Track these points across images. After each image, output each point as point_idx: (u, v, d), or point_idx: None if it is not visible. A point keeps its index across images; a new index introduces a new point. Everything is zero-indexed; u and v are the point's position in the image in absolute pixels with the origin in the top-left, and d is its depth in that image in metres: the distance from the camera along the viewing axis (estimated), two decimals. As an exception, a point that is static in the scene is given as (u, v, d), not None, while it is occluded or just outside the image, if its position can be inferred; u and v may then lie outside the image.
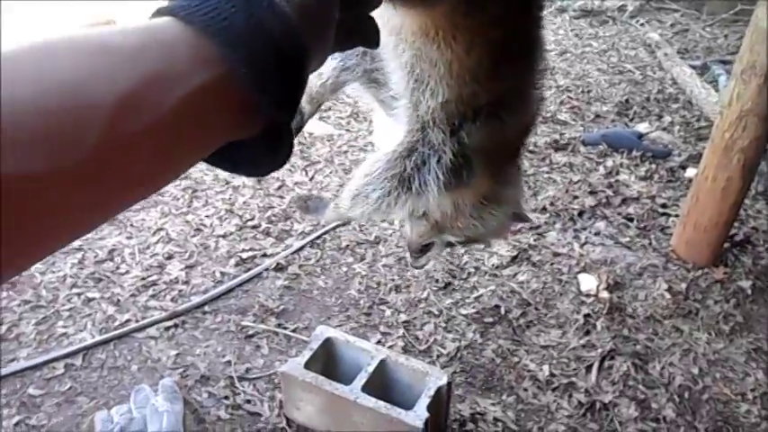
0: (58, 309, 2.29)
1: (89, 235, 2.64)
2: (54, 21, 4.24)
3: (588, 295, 2.50)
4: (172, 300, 2.38)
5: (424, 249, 1.08)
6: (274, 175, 3.11)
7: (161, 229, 2.73)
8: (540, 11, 0.76)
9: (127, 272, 2.49)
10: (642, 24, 5.51)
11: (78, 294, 2.36)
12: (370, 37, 0.52)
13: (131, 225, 2.74)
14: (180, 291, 2.42)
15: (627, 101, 4.09)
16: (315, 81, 0.95)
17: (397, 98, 0.83)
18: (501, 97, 0.78)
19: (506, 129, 0.81)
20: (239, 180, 3.06)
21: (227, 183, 3.04)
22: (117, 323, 2.25)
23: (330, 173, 3.16)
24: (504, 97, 0.79)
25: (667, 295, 2.50)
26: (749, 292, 2.53)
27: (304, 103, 1.01)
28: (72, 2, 4.37)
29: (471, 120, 0.79)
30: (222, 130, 0.42)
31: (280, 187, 3.04)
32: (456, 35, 0.69)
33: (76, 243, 2.59)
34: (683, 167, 3.34)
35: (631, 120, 3.89)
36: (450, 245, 1.06)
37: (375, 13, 0.52)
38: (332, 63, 0.92)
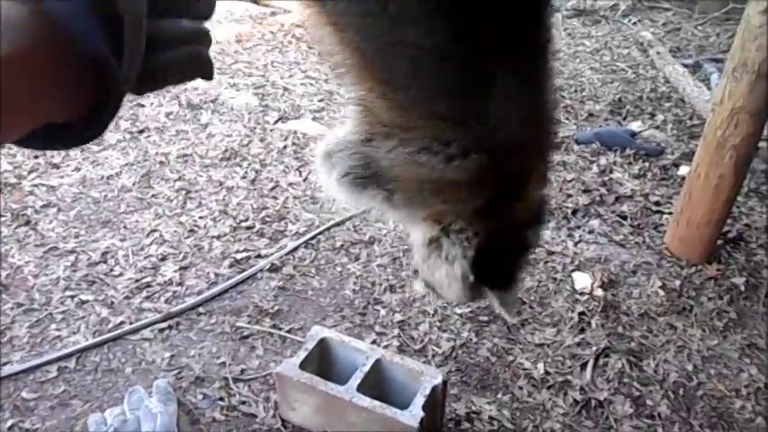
0: (51, 312, 2.27)
1: (82, 237, 2.63)
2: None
3: (583, 293, 2.50)
4: (166, 301, 2.37)
5: (416, 272, 1.03)
6: (268, 175, 3.11)
7: (155, 230, 2.72)
8: None
9: (120, 274, 2.48)
10: (634, 23, 5.53)
11: (71, 297, 2.35)
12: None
13: (125, 227, 2.73)
14: (174, 292, 2.41)
15: (620, 99, 4.10)
16: None
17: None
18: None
19: (429, 169, 0.72)
20: (233, 181, 3.05)
21: (221, 184, 3.03)
22: (111, 325, 2.24)
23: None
24: (416, 132, 0.71)
25: (661, 292, 2.51)
26: (742, 288, 2.54)
27: None
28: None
29: (382, 136, 0.76)
30: (49, 92, 0.41)
31: (274, 188, 3.04)
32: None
33: (69, 245, 2.59)
34: (676, 165, 3.36)
35: (624, 118, 3.90)
36: (426, 283, 0.98)
37: None
38: None
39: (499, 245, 0.86)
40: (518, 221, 0.85)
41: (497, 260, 0.88)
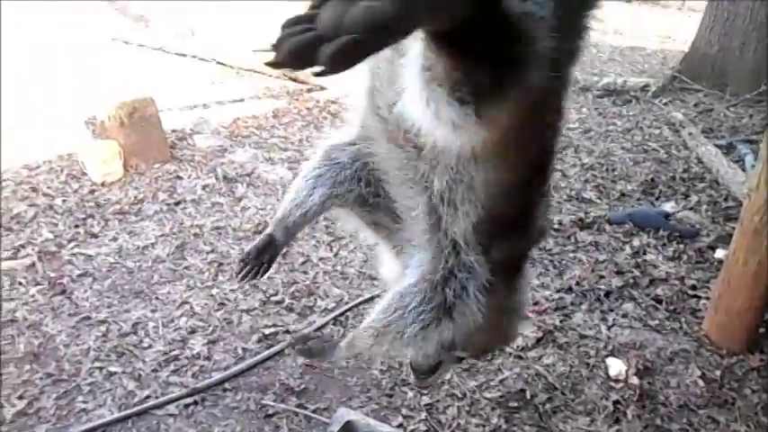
0: (80, 383, 2.28)
1: (115, 307, 2.67)
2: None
3: (617, 380, 2.41)
4: (193, 376, 2.36)
5: (433, 370, 1.04)
6: (299, 250, 3.14)
7: (185, 302, 2.75)
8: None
9: (150, 346, 2.49)
10: (665, 104, 5.57)
11: (100, 368, 2.36)
12: None
13: (156, 298, 2.76)
14: (201, 366, 2.41)
15: (652, 180, 4.08)
16: (294, 211, 0.94)
17: (402, 221, 0.82)
18: (528, 211, 0.79)
19: (527, 240, 0.82)
20: (264, 254, 3.08)
21: (253, 257, 3.06)
22: (137, 399, 2.23)
23: (355, 248, 3.18)
24: (531, 211, 0.80)
25: (701, 383, 2.41)
26: (788, 381, 2.43)
27: (279, 235, 0.99)
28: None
29: (502, 236, 0.80)
30: None
31: (304, 262, 3.06)
32: (506, 155, 0.70)
33: (102, 315, 2.62)
34: (712, 248, 3.29)
35: (657, 199, 3.87)
36: (459, 360, 1.01)
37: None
38: (318, 192, 0.90)
39: None
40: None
41: None
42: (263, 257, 1.11)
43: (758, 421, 2.26)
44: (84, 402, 2.21)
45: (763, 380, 2.43)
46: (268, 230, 1.12)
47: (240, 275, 1.11)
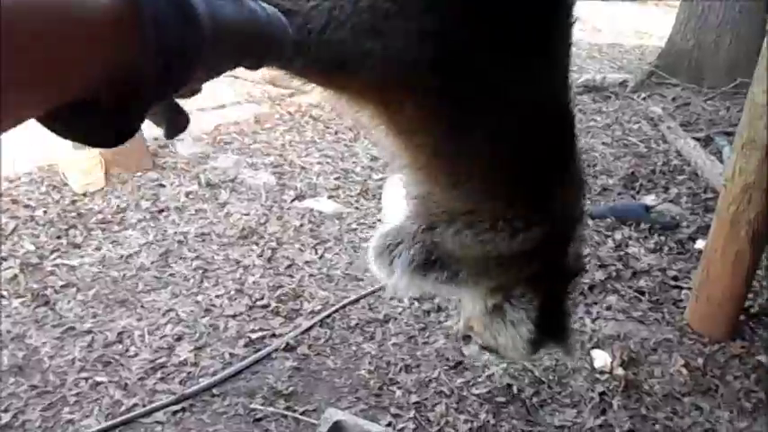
0: (65, 394, 2.27)
1: (99, 317, 2.66)
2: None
3: (602, 372, 2.44)
4: (180, 382, 2.35)
5: (467, 338, 1.08)
6: (284, 254, 3.14)
7: (171, 309, 2.74)
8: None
9: (136, 354, 2.48)
10: (644, 99, 5.64)
11: (86, 378, 2.34)
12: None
13: (142, 306, 2.75)
14: (188, 373, 2.40)
15: (633, 173, 4.13)
16: None
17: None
18: (474, 213, 0.80)
19: (495, 245, 0.81)
20: (250, 259, 3.08)
21: (238, 262, 3.07)
22: (123, 408, 2.22)
23: (340, 251, 3.19)
24: (480, 214, 0.80)
25: (684, 371, 2.44)
26: (769, 366, 2.47)
27: None
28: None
29: (445, 223, 0.81)
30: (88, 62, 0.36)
31: (290, 266, 3.06)
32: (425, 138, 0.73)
33: (86, 325, 2.61)
34: (693, 239, 3.34)
35: (638, 192, 3.92)
36: (487, 348, 1.05)
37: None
38: None
39: (557, 302, 0.98)
40: (567, 276, 0.97)
41: (557, 315, 0.99)
42: None
43: (741, 407, 2.30)
44: (71, 413, 2.19)
45: (745, 366, 2.47)
46: None
47: None
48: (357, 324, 2.68)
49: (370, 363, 2.47)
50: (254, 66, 0.50)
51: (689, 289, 2.85)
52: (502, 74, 0.68)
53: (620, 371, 2.43)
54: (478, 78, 0.67)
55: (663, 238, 3.35)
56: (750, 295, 2.71)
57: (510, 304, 0.94)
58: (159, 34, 0.37)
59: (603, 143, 4.66)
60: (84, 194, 3.58)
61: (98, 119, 0.39)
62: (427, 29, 0.62)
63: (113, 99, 0.38)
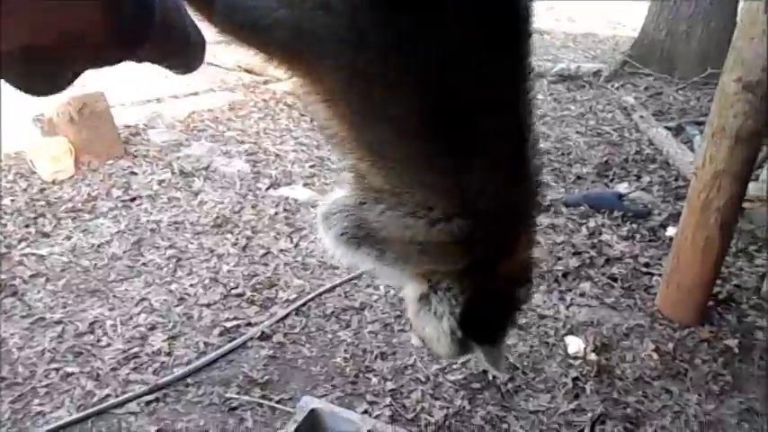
0: (35, 385, 2.22)
1: (70, 307, 2.61)
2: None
3: (576, 358, 2.48)
4: (154, 372, 2.33)
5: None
6: (259, 242, 3.12)
7: (144, 299, 2.70)
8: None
9: (108, 344, 2.45)
10: (617, 88, 5.70)
11: (57, 369, 2.30)
12: None
13: (114, 296, 2.71)
14: (162, 363, 2.37)
15: (606, 162, 4.18)
16: None
17: None
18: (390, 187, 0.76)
19: (414, 232, 0.76)
20: (224, 248, 3.05)
21: (212, 251, 3.03)
22: (96, 398, 2.19)
23: (315, 239, 3.17)
24: (401, 197, 0.75)
25: (655, 356, 2.49)
26: (736, 350, 2.52)
27: None
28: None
29: (373, 200, 0.79)
30: None
31: (265, 254, 3.04)
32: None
33: (56, 316, 2.56)
34: (664, 226, 3.39)
35: (611, 180, 3.97)
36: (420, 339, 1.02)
37: None
38: None
39: (487, 302, 0.90)
40: (505, 280, 0.89)
41: (485, 317, 0.92)
42: None
43: (709, 390, 2.35)
44: (41, 405, 2.15)
45: (713, 350, 2.53)
46: None
47: None
48: (333, 312, 2.68)
49: (345, 350, 2.47)
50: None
51: (660, 275, 2.89)
52: (415, 49, 0.64)
53: (592, 356, 2.47)
54: (389, 54, 0.64)
55: (635, 225, 3.40)
56: (719, 281, 2.76)
57: (436, 295, 0.89)
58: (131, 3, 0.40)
59: (578, 132, 4.70)
60: (54, 182, 3.51)
61: (45, 68, 0.41)
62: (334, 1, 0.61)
63: (69, 50, 0.40)
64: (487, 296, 0.89)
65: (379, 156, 0.73)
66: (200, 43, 0.51)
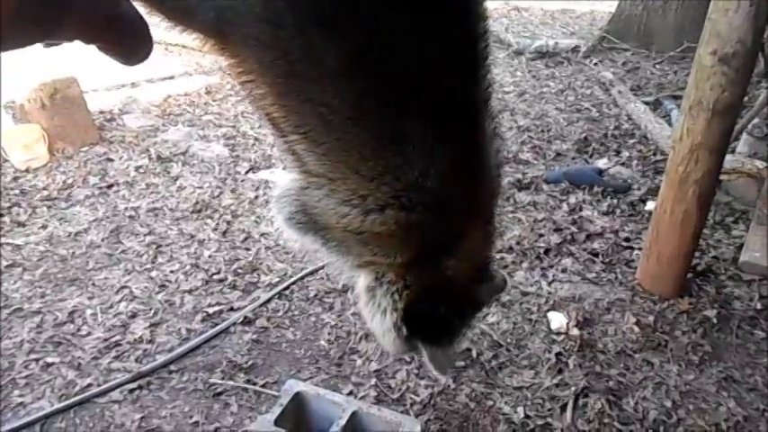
0: (15, 377, 2.19)
1: (48, 296, 2.57)
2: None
3: (559, 333, 2.50)
4: (136, 360, 2.31)
5: None
6: (240, 227, 3.09)
7: (124, 286, 2.67)
8: None
9: (89, 333, 2.42)
10: (595, 64, 5.71)
11: (36, 360, 2.27)
12: None
13: (93, 284, 2.67)
14: (144, 350, 2.35)
15: (585, 138, 4.19)
16: None
17: None
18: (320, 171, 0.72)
19: (349, 220, 0.73)
20: (205, 233, 3.02)
21: (192, 237, 3.00)
22: (78, 388, 2.17)
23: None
24: (337, 183, 0.72)
25: (636, 329, 2.52)
26: (715, 321, 2.56)
27: None
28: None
29: (314, 185, 0.77)
30: None
31: (246, 239, 3.01)
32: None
33: (35, 306, 2.52)
34: (643, 201, 3.42)
35: (591, 156, 3.98)
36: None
37: None
38: None
39: (432, 300, 0.84)
40: (456, 278, 0.83)
41: (431, 315, 0.86)
42: None
43: (689, 360, 2.39)
44: (21, 396, 2.13)
45: (692, 321, 2.56)
46: None
47: None
48: (316, 295, 2.67)
49: (329, 333, 2.47)
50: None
51: (640, 249, 2.92)
52: (335, 22, 0.61)
53: (575, 331, 2.49)
54: (307, 32, 0.61)
55: (615, 200, 3.42)
56: (697, 253, 2.80)
57: (381, 288, 0.84)
58: None
59: (557, 108, 4.70)
60: (27, 171, 3.44)
61: None
62: None
63: None
64: (433, 294, 0.84)
65: (311, 139, 0.70)
66: (142, 30, 0.46)
